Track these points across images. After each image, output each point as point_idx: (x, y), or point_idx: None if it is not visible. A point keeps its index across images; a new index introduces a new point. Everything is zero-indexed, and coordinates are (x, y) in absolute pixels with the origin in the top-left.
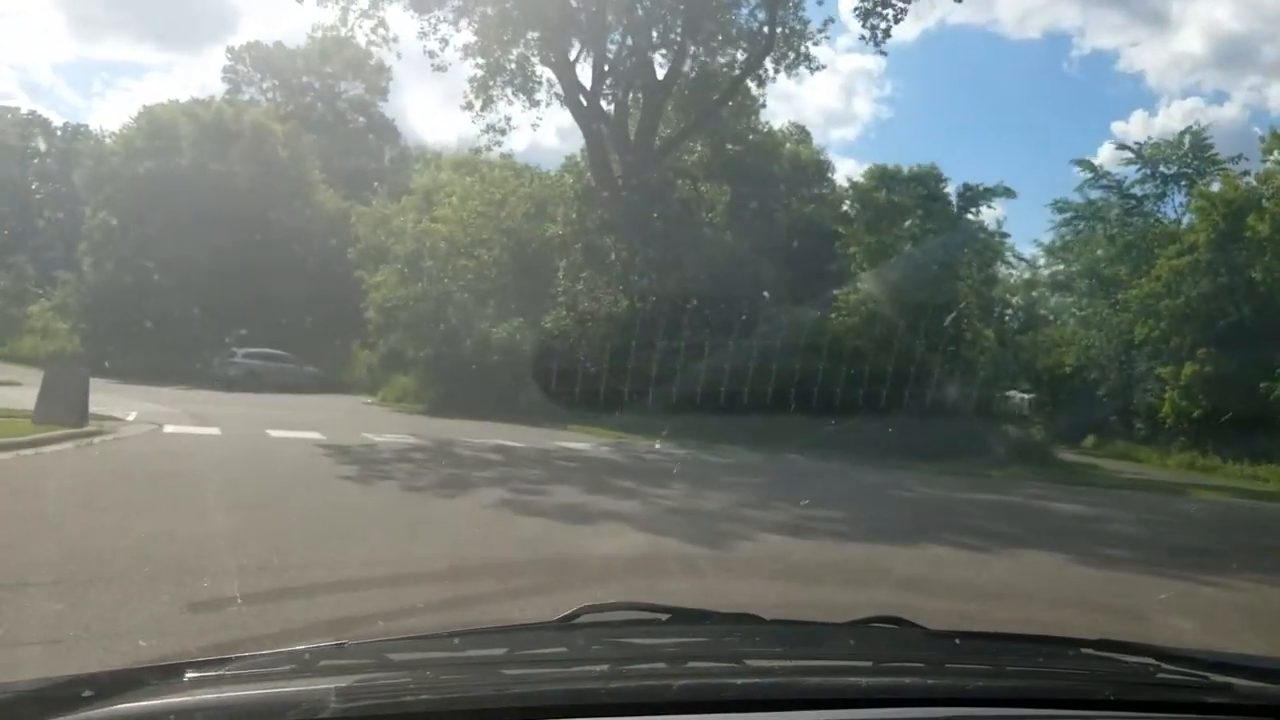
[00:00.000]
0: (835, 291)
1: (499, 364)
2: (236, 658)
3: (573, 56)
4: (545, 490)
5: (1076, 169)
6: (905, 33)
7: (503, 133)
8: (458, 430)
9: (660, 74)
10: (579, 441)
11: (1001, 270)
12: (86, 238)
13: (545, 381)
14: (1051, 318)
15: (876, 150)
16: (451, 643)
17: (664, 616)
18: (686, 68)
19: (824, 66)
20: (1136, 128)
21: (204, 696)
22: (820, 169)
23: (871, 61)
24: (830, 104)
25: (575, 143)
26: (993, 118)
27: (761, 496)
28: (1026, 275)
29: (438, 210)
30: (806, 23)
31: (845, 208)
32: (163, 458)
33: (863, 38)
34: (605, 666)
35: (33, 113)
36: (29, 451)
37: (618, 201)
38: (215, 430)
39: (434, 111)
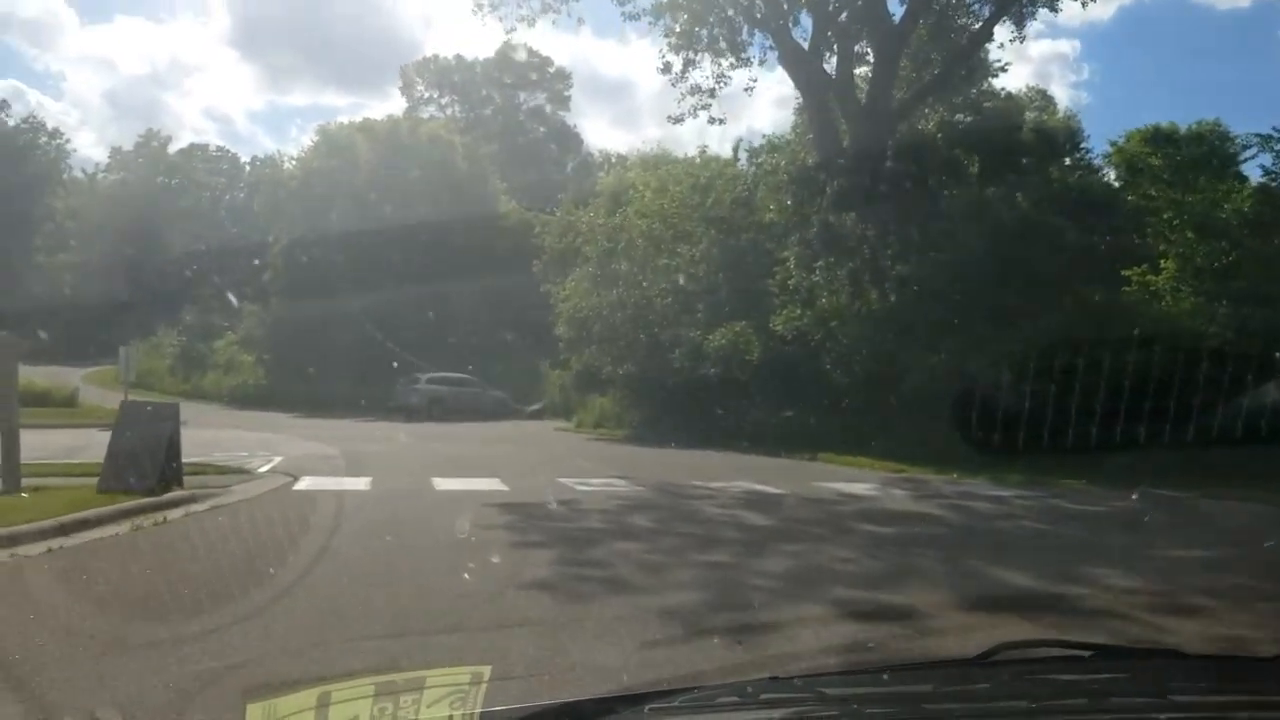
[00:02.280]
0: (1125, 272)
1: (715, 378)
2: (689, 689)
3: (786, 5)
4: (912, 622)
5: None
6: (1099, 11)
7: (711, 94)
8: (678, 466)
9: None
10: (853, 481)
11: None
12: (270, 266)
13: (778, 397)
14: None
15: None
16: (880, 678)
17: (1085, 653)
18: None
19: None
20: None
21: None
22: (1072, 136)
23: (1065, 45)
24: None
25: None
26: (1197, 98)
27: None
28: None
29: (631, 205)
30: None
31: (1110, 176)
32: (245, 549)
33: None
34: (1026, 703)
35: (221, 149)
36: (38, 547)
37: (856, 173)
38: (363, 483)
39: (612, 130)
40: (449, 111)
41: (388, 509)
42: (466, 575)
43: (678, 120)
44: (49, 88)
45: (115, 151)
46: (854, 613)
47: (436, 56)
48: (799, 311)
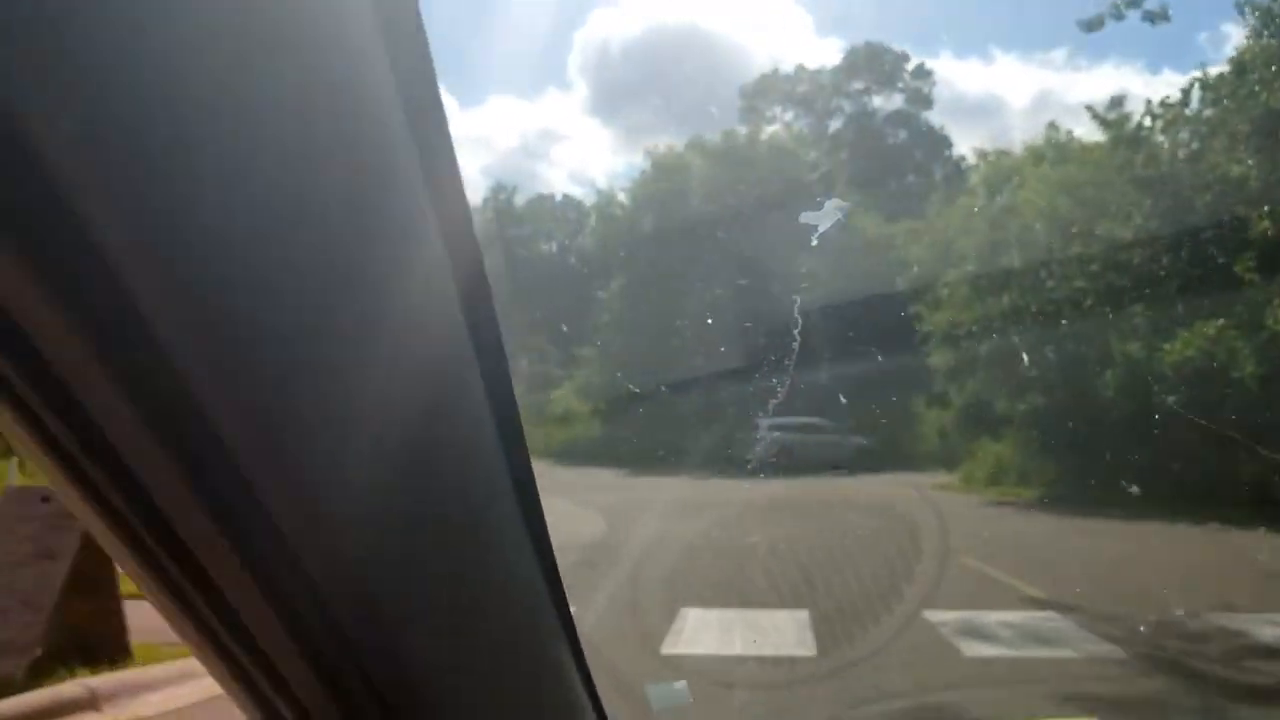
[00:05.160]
0: None
1: (1177, 408)
2: None
3: None
4: None
5: None
6: None
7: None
8: (1139, 565)
9: None
10: None
11: None
12: (606, 308)
13: None
14: None
15: None
16: None
17: None
18: None
19: None
20: None
21: None
22: None
23: None
24: None
25: None
26: None
27: None
28: None
29: (1025, 185)
30: None
31: None
32: None
33: None
34: None
35: (566, 196)
36: None
37: None
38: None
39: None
40: (794, 128)
41: None
42: None
43: (1092, 26)
44: None
45: None
46: None
47: (777, 70)
48: None
